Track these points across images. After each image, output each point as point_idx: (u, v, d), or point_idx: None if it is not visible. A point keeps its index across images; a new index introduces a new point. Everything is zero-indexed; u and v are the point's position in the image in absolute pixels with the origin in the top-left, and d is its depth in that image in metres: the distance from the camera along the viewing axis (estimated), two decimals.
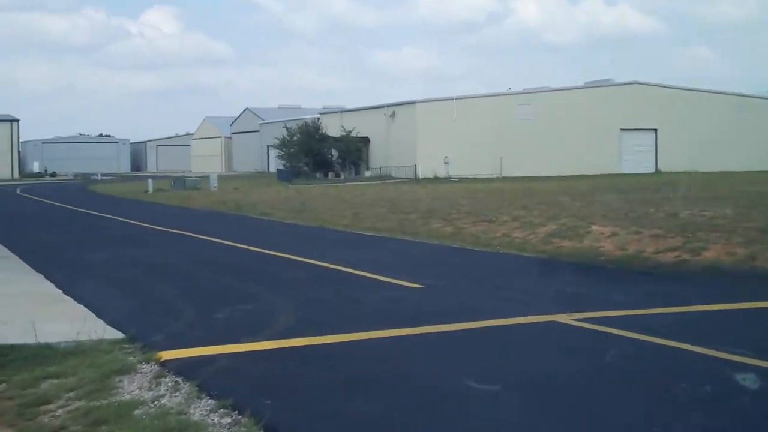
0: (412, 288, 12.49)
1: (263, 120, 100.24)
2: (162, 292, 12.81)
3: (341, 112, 77.53)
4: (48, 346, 8.98)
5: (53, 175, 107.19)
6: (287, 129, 70.70)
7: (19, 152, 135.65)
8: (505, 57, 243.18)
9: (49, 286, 13.24)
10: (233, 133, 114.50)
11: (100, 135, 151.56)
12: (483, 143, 63.16)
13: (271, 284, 13.25)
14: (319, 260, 15.88)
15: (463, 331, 9.48)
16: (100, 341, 9.14)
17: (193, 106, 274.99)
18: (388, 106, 68.92)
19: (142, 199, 43.21)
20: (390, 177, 62.14)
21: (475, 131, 63.60)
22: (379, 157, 68.86)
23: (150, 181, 51.40)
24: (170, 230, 23.98)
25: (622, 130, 68.66)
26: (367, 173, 67.90)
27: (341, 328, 9.62)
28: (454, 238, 20.19)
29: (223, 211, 32.33)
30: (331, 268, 14.93)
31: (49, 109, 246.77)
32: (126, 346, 9.04)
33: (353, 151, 68.80)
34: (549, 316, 10.14)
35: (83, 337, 9.21)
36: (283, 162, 71.16)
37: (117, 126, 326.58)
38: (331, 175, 67.73)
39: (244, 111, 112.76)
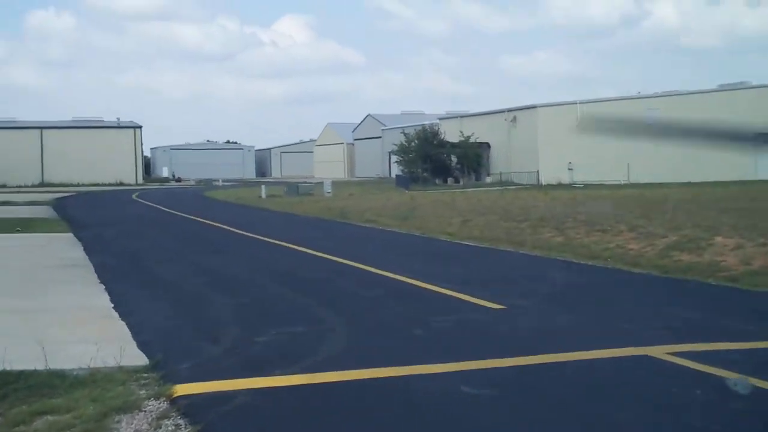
0: (492, 309, 10.85)
1: (385, 126, 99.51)
2: (216, 309, 11.54)
3: (461, 117, 75.91)
4: (60, 374, 7.86)
5: (178, 180, 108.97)
6: (405, 135, 69.61)
7: (146, 158, 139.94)
8: (638, 61, 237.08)
9: (103, 300, 12.16)
10: (355, 140, 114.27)
11: (227, 142, 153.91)
12: (609, 148, 60.49)
13: (336, 301, 11.81)
14: (400, 274, 14.35)
15: (527, 366, 7.84)
16: (119, 368, 7.95)
17: (320, 113, 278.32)
18: (509, 110, 67.03)
19: (250, 204, 42.55)
20: (511, 183, 60.30)
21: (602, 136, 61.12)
22: (500, 163, 67.03)
23: (263, 187, 50.86)
24: (260, 237, 22.83)
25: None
26: (488, 179, 66.14)
27: (393, 359, 8.12)
28: (561, 249, 18.40)
29: (326, 218, 31.15)
30: (409, 284, 13.38)
31: (180, 116, 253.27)
32: (144, 375, 7.83)
33: (472, 157, 67.12)
34: (641, 348, 8.36)
35: (102, 364, 8.05)
36: (402, 168, 70.12)
37: (244, 133, 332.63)
38: (450, 181, 66.27)
39: (366, 117, 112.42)
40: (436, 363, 7.93)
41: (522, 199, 39.13)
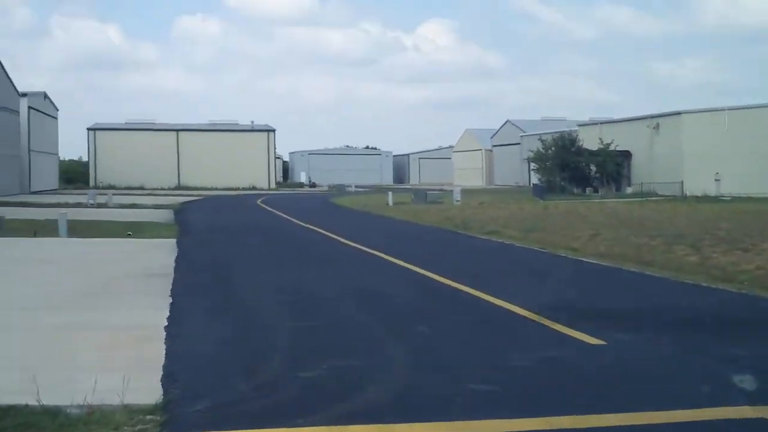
0: (589, 345, 8.97)
1: (524, 132, 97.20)
2: (278, 334, 10.13)
3: (600, 123, 72.89)
4: (52, 412, 6.60)
5: (312, 185, 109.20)
6: (542, 142, 67.39)
7: (285, 162, 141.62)
8: None
9: (159, 318, 10.89)
10: (494, 146, 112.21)
11: (367, 147, 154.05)
12: (761, 158, 56.87)
13: (410, 329, 10.17)
14: (497, 296, 12.57)
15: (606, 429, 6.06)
16: (123, 407, 6.62)
17: (460, 119, 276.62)
18: (652, 117, 63.93)
19: (373, 212, 41.26)
20: (653, 194, 57.30)
21: (752, 145, 57.39)
22: (641, 173, 63.97)
23: (390, 194, 49.60)
24: (364, 249, 21.26)
25: None
26: (628, 189, 63.22)
27: (451, 411, 6.48)
28: (693, 269, 16.24)
29: (446, 228, 29.51)
30: (502, 309, 11.59)
31: (321, 121, 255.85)
32: (146, 418, 6.44)
33: (611, 166, 64.27)
34: (752, 409, 6.48)
35: (105, 401, 6.74)
36: (539, 176, 67.91)
37: (383, 138, 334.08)
38: (588, 190, 63.69)
39: (504, 123, 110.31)
40: (491, 418, 6.26)
41: (661, 211, 36.74)
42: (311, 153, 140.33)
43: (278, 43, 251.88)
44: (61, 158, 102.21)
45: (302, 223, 31.52)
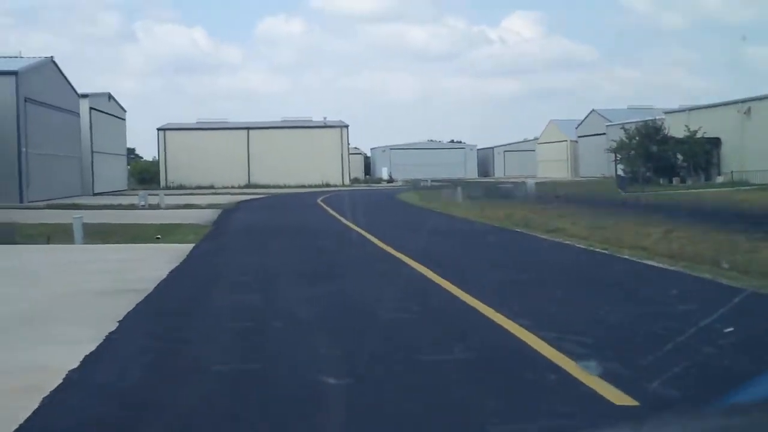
0: (618, 407, 6.11)
1: (610, 122, 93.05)
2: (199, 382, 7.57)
3: (688, 110, 68.55)
4: None
5: (390, 181, 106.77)
6: (625, 131, 63.66)
7: (367, 158, 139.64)
8: None
9: (71, 357, 8.44)
10: (579, 137, 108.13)
11: (451, 141, 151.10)
12: None
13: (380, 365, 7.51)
14: (507, 315, 9.77)
15: None
16: None
17: (547, 111, 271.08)
18: (743, 101, 59.62)
19: (435, 209, 38.41)
20: (746, 183, 53.23)
21: None
22: (732, 161, 59.76)
23: (459, 189, 46.70)
24: (390, 251, 18.59)
25: None
26: (719, 179, 59.14)
27: None
28: None
29: (505, 227, 26.60)
30: (523, 346, 8.75)
31: (406, 117, 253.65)
32: None
33: (700, 154, 60.20)
34: None
35: None
36: (622, 167, 64.23)
37: (468, 132, 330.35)
38: (675, 181, 59.79)
39: (590, 113, 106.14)
40: None
41: (756, 201, 33.17)
42: (392, 148, 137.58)
43: (361, 41, 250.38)
44: (142, 158, 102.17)
45: (347, 222, 28.82)
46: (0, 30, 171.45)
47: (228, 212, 36.67)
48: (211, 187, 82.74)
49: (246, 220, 31.88)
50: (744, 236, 18.75)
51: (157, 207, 40.85)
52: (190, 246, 20.72)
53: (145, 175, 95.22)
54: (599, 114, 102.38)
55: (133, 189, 76.48)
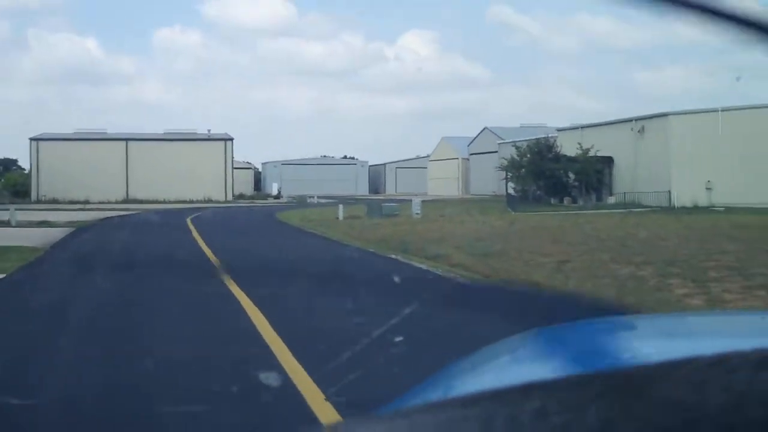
0: None
1: (502, 140, 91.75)
2: None
3: (581, 128, 67.12)
4: None
5: (277, 197, 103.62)
6: (517, 148, 61.99)
7: (258, 173, 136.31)
8: None
9: None
10: (471, 154, 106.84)
11: (344, 157, 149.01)
12: (758, 165, 51.34)
13: None
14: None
15: None
16: None
17: (440, 129, 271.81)
18: (636, 119, 58.42)
19: (309, 229, 35.28)
20: (637, 205, 51.83)
21: (748, 150, 51.91)
22: (624, 181, 58.47)
23: (341, 207, 43.80)
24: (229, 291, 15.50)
25: None
26: (610, 199, 57.74)
27: None
28: None
29: (377, 252, 23.74)
30: None
31: (300, 132, 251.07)
32: None
33: (592, 174, 58.70)
34: None
35: None
36: (513, 185, 62.42)
37: (362, 149, 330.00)
38: (566, 200, 58.19)
39: (482, 130, 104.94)
40: None
41: (648, 226, 31.21)
42: (284, 163, 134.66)
43: (255, 55, 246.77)
44: (25, 170, 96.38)
45: (204, 248, 25.30)
46: None
47: (80, 232, 32.97)
48: (86, 201, 78.03)
49: (90, 243, 28.18)
50: (649, 270, 16.55)
51: (7, 224, 36.84)
52: None
53: (19, 188, 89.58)
54: (491, 131, 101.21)
55: (1, 203, 71.46)
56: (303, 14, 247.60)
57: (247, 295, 13.33)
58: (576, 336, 1.77)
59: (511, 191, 62.77)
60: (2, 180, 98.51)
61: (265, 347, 9.46)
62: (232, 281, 15.54)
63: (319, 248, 25.77)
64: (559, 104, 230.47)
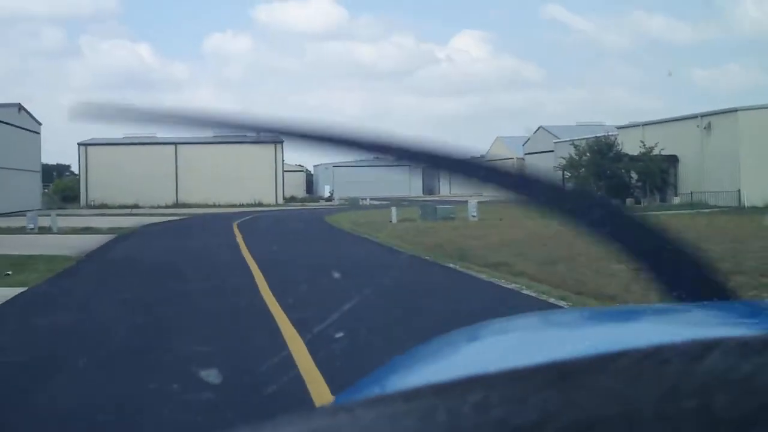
0: None
1: (558, 139, 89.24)
2: None
3: (642, 125, 64.44)
4: None
5: (328, 199, 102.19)
6: (575, 147, 59.62)
7: (310, 175, 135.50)
8: None
9: None
10: (526, 154, 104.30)
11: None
12: None
13: None
14: None
15: None
16: None
17: (494, 130, 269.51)
18: (702, 116, 55.77)
19: (363, 233, 33.56)
20: (704, 205, 49.40)
21: None
22: (689, 180, 55.87)
23: (394, 209, 41.96)
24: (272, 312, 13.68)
25: None
26: (675, 200, 55.25)
27: None
28: None
29: (431, 260, 21.91)
30: None
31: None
32: None
33: (656, 173, 56.14)
34: None
35: None
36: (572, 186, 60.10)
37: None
38: (629, 201, 55.72)
39: (538, 129, 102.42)
40: None
41: (721, 228, 29.06)
42: (336, 165, 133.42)
43: (309, 59, 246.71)
44: (78, 176, 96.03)
45: (248, 255, 23.63)
46: None
47: (119, 240, 31.51)
48: (135, 206, 77.23)
49: (125, 252, 26.39)
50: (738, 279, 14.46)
51: (48, 231, 35.65)
52: (13, 291, 15.84)
53: (68, 193, 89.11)
54: (547, 130, 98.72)
55: (49, 208, 70.79)
56: (354, 17, 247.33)
57: (292, 323, 11.62)
58: (517, 329, 1.76)
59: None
60: (52, 185, 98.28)
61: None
62: (275, 302, 13.89)
63: (370, 256, 23.82)
64: (615, 103, 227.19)
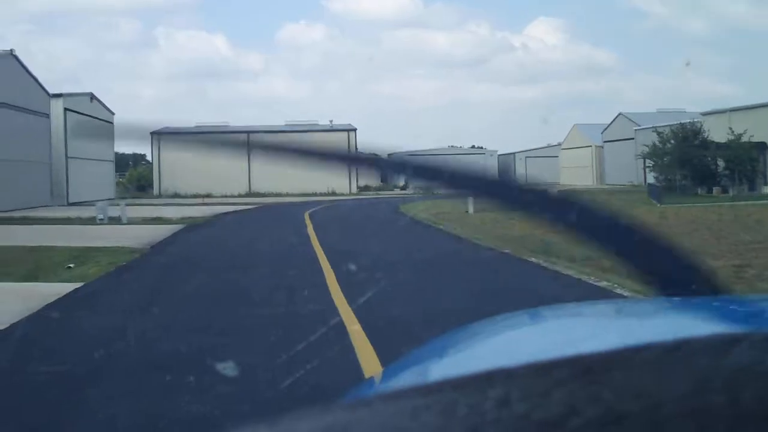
0: None
1: (638, 126, 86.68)
2: None
3: (729, 111, 61.82)
4: None
5: (403, 188, 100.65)
6: (659, 134, 57.40)
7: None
8: None
9: None
10: (605, 142, 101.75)
11: (472, 147, 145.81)
12: None
13: None
14: None
15: None
16: None
17: (570, 118, 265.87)
18: None
19: (436, 223, 32.30)
20: None
21: None
22: None
23: (470, 199, 40.41)
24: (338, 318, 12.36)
25: None
26: (766, 189, 52.77)
27: None
28: None
29: (513, 254, 20.57)
30: None
31: (428, 123, 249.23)
32: None
33: (744, 161, 53.65)
34: None
35: None
36: (655, 174, 57.92)
37: (491, 138, 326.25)
38: (715, 190, 53.43)
39: (617, 117, 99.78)
40: None
41: None
42: (410, 153, 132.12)
43: (383, 47, 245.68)
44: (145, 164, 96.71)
45: (314, 247, 22.47)
46: (20, 36, 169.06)
47: (187, 230, 30.62)
48: (208, 195, 76.96)
49: (191, 244, 25.42)
50: None
51: (117, 221, 35.05)
52: (68, 287, 14.89)
53: (143, 183, 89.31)
54: (627, 117, 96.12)
55: (122, 198, 70.78)
56: (427, 4, 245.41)
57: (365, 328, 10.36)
58: (537, 321, 1.79)
59: (652, 181, 58.36)
60: (126, 175, 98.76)
61: None
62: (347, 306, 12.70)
63: (447, 249, 22.50)
64: (697, 90, 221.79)
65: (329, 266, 17.43)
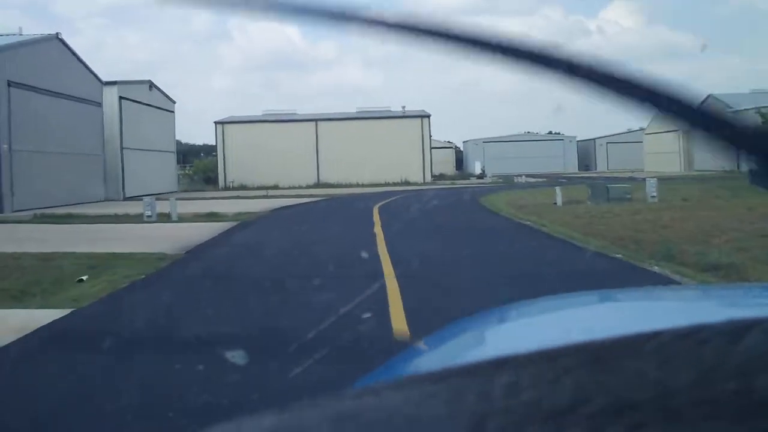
0: None
1: (731, 107, 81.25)
2: None
3: None
4: None
5: (480, 176, 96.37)
6: (762, 115, 52.68)
7: (459, 152, 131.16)
8: None
9: None
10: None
11: (550, 133, 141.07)
12: None
13: None
14: None
15: None
16: None
17: None
18: None
19: (525, 219, 28.04)
20: None
21: None
22: None
23: (558, 190, 36.31)
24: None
25: None
26: None
27: None
28: None
29: (626, 260, 16.28)
30: None
31: (503, 110, 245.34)
32: None
33: None
34: None
35: None
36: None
37: (569, 125, 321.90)
38: None
39: (706, 98, 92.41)
40: None
41: None
42: (486, 141, 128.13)
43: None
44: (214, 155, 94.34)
45: (385, 265, 18.14)
46: (95, 30, 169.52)
47: (237, 229, 27.04)
48: (275, 186, 73.63)
49: (235, 248, 21.19)
50: None
51: (167, 218, 31.71)
52: (52, 315, 11.32)
53: (210, 175, 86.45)
54: (718, 99, 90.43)
55: (185, 190, 67.90)
56: None
57: None
58: (548, 310, 1.77)
59: (753, 166, 53.50)
60: (192, 166, 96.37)
61: None
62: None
63: (545, 255, 18.19)
64: None
65: (398, 299, 13.22)
